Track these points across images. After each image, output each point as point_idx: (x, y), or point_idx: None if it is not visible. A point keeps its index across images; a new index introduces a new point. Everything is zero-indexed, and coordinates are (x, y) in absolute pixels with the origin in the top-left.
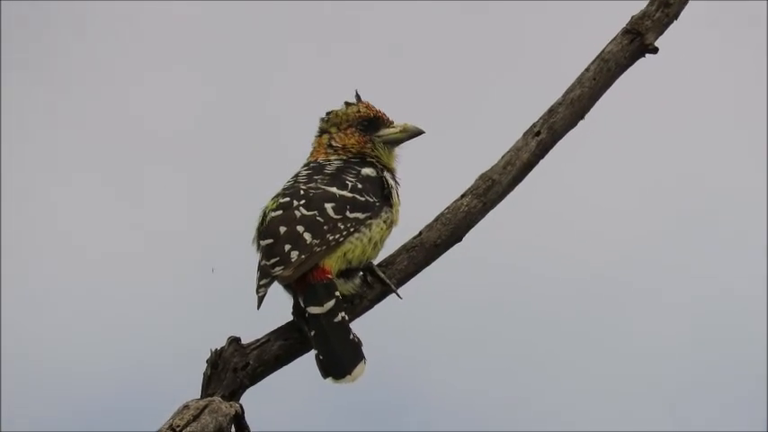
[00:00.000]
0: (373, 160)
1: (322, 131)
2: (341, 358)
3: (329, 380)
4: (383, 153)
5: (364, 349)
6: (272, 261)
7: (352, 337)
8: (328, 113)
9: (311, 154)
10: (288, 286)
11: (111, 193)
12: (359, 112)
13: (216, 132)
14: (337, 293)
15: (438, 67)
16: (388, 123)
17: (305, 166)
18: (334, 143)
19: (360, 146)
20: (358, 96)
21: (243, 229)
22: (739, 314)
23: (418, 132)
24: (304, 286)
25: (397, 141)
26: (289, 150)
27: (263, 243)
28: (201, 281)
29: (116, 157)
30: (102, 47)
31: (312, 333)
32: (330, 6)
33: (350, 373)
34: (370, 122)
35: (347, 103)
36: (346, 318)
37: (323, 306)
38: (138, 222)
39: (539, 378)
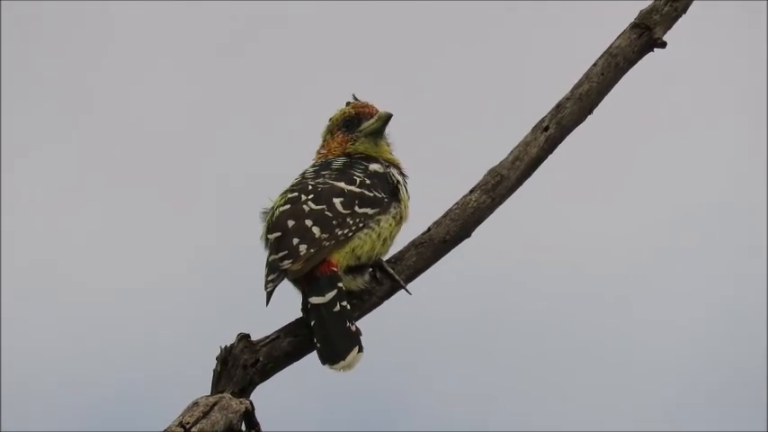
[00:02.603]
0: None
1: (323, 140)
2: (336, 345)
3: (326, 366)
4: (369, 146)
5: (364, 340)
6: (281, 254)
7: (349, 325)
8: (329, 120)
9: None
10: (296, 281)
11: (117, 192)
12: (344, 113)
13: (219, 133)
14: (340, 284)
15: (448, 62)
16: (370, 117)
17: (311, 165)
18: (322, 150)
19: (342, 147)
20: (355, 98)
21: (252, 227)
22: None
23: (388, 116)
24: (309, 279)
25: (376, 131)
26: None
27: (271, 237)
28: (211, 278)
29: (118, 157)
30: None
31: (312, 323)
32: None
33: (344, 359)
34: (352, 120)
35: (347, 104)
36: (347, 307)
37: (324, 296)
38: (150, 221)
39: (537, 384)
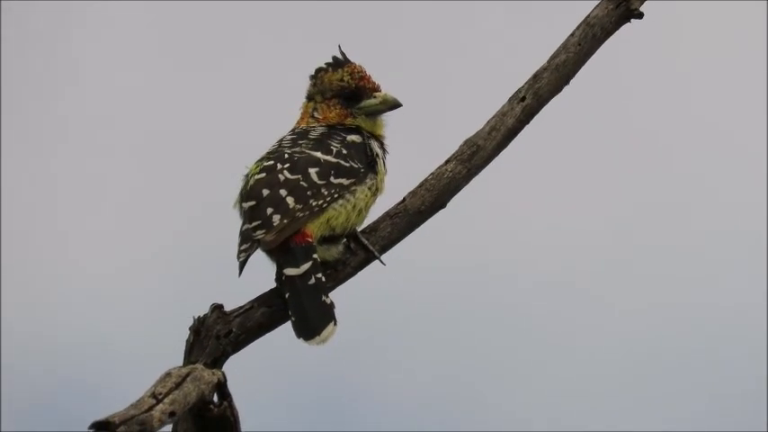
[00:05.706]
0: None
1: (309, 97)
2: (311, 319)
3: (301, 341)
4: (365, 123)
5: (337, 313)
6: (254, 224)
7: (324, 298)
8: (317, 72)
9: (298, 120)
10: (269, 252)
11: (92, 161)
12: (341, 80)
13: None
14: (315, 256)
15: (422, 30)
16: (371, 93)
17: (290, 131)
18: (316, 114)
19: (340, 119)
20: (343, 54)
21: (225, 197)
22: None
23: (396, 104)
24: (283, 249)
25: (377, 113)
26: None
27: (245, 205)
28: (185, 248)
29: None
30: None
31: (287, 295)
32: None
33: (319, 334)
34: (352, 94)
35: (334, 63)
36: (322, 279)
37: (299, 268)
38: (121, 192)
39: (506, 363)
